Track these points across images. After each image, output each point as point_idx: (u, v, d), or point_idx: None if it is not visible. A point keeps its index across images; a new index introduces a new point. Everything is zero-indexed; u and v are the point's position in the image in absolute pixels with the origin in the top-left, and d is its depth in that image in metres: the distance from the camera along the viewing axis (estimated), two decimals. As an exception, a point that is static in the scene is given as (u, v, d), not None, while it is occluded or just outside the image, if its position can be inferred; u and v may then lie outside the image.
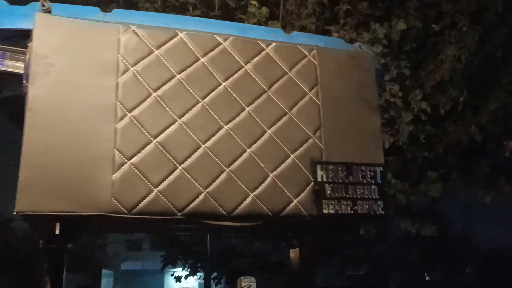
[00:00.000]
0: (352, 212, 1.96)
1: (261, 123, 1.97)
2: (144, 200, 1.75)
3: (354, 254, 9.34)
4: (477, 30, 5.83)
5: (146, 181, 1.77)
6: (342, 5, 5.84)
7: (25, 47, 2.14)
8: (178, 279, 9.04)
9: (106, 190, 1.71)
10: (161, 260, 8.52)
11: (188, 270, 8.40)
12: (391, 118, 5.70)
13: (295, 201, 1.92)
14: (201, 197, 1.82)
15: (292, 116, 2.01)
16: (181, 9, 5.20)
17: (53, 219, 1.66)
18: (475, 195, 6.85)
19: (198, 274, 8.41)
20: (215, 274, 8.09)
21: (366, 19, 5.84)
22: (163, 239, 8.34)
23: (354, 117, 2.09)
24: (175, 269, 9.43)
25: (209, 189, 1.83)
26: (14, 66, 2.10)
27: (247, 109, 1.97)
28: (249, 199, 1.87)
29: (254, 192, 1.89)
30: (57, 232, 1.68)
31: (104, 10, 2.07)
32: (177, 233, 5.61)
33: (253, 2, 4.61)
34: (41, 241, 1.99)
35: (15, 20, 1.99)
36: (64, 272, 2.01)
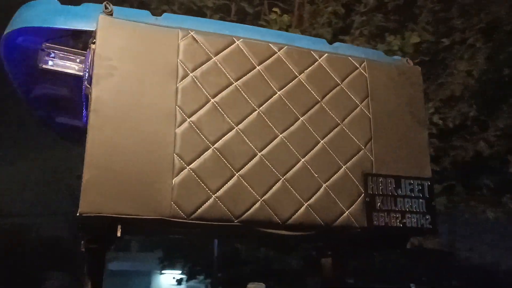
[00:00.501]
0: (401, 225, 2.00)
1: (314, 133, 1.99)
2: (203, 206, 1.76)
3: (352, 263, 9.39)
4: (488, 47, 5.96)
5: (204, 187, 1.78)
6: (356, 16, 5.92)
7: (73, 47, 2.17)
8: (179, 282, 8.99)
9: (167, 195, 1.72)
10: (154, 261, 8.51)
11: (187, 273, 8.38)
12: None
13: (347, 212, 1.95)
14: (257, 205, 1.83)
15: (344, 128, 2.04)
16: (199, 13, 5.23)
17: (115, 222, 1.67)
18: (477, 210, 6.95)
19: (197, 277, 8.39)
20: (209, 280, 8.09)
21: (380, 31, 5.93)
22: (161, 240, 8.31)
23: (403, 131, 2.13)
24: (172, 271, 9.41)
25: (265, 197, 1.85)
26: (64, 65, 2.12)
27: (301, 118, 1.99)
28: (303, 208, 1.90)
29: (308, 202, 1.91)
30: (118, 234, 1.68)
31: (154, 14, 2.09)
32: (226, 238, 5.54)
33: (276, 9, 4.65)
34: (82, 242, 1.99)
35: (68, 20, 2.00)
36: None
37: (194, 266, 8.07)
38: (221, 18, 5.20)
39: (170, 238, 7.65)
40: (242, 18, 5.61)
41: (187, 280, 8.57)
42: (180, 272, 8.80)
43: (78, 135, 2.36)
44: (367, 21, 5.87)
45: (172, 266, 8.37)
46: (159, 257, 8.47)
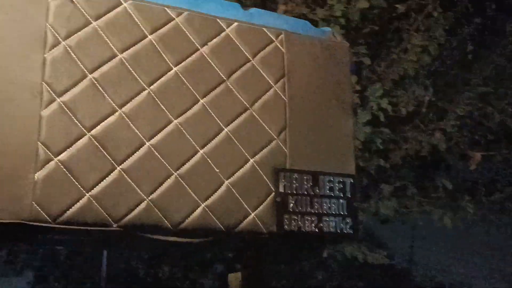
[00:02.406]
0: (317, 230, 2.22)
1: (217, 119, 2.15)
2: (73, 207, 1.86)
3: (283, 285, 9.71)
4: (448, 17, 6.40)
5: (76, 183, 1.88)
6: (293, -27, 6.14)
7: None
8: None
9: (27, 193, 1.80)
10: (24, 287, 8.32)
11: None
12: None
13: (253, 214, 2.14)
14: (143, 205, 1.97)
15: (254, 113, 2.22)
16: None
17: None
18: (432, 217, 7.45)
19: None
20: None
21: (320, -7, 6.19)
22: (33, 255, 8.17)
23: (325, 119, 2.35)
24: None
25: (153, 196, 1.99)
26: None
27: (202, 101, 2.15)
28: (199, 210, 2.06)
29: (206, 202, 2.07)
30: None
31: None
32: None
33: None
34: None
35: None
36: None
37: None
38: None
39: (42, 255, 7.55)
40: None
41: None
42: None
43: None
44: (305, -21, 6.10)
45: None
46: (28, 281, 8.31)
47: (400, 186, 7.01)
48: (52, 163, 1.86)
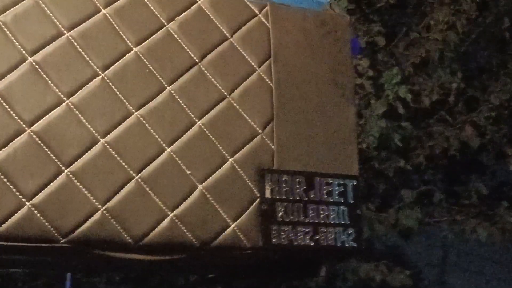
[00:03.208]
0: (312, 243, 2.18)
1: (188, 111, 2.12)
2: (10, 219, 1.83)
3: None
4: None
5: (14, 189, 1.85)
6: None
7: None
8: None
9: None
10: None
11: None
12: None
13: (232, 225, 2.10)
14: (96, 216, 1.93)
15: (233, 102, 2.19)
16: None
17: None
18: (464, 228, 7.44)
19: None
20: None
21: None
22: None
23: (320, 108, 2.31)
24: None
25: (108, 204, 1.95)
26: None
27: (168, 88, 2.11)
28: (166, 221, 2.02)
29: (175, 211, 2.04)
30: None
31: None
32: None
33: None
34: None
35: None
36: None
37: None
38: None
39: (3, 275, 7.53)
40: None
41: None
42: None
43: None
44: None
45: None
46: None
47: (424, 191, 7.01)
48: None
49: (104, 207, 1.95)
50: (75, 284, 5.79)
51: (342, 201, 2.27)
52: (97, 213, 1.94)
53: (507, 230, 7.17)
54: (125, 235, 1.97)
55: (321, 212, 2.23)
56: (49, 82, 1.96)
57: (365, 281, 7.33)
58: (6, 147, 1.87)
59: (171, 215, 2.03)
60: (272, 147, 2.22)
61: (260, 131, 2.21)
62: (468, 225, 7.22)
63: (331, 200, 2.25)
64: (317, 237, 2.20)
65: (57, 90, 1.97)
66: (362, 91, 5.98)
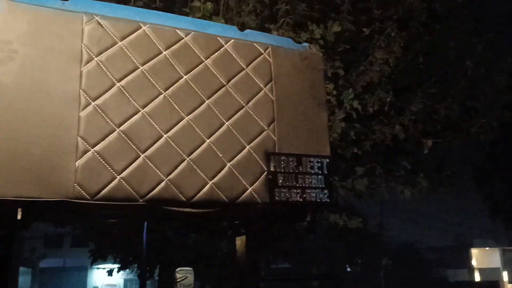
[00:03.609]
0: (301, 200, 2.14)
1: (219, 115, 2.09)
2: (107, 187, 1.81)
3: (283, 247, 9.66)
4: (403, 36, 6.32)
5: (109, 168, 1.83)
6: (281, 5, 6.06)
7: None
8: (110, 272, 8.88)
9: (70, 177, 1.75)
10: (87, 255, 8.31)
11: (120, 264, 8.27)
12: (324, 116, 6.00)
13: (250, 189, 2.07)
14: (162, 184, 1.91)
15: (248, 110, 2.16)
16: (121, 0, 5.14)
17: (15, 204, 1.68)
18: (395, 191, 7.38)
19: (130, 268, 8.30)
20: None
21: (304, 20, 6.11)
22: (90, 232, 8.14)
23: (305, 113, 2.27)
24: (104, 265, 9.24)
25: (170, 176, 1.93)
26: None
27: (207, 101, 2.08)
28: (207, 186, 1.99)
29: (212, 180, 2.01)
30: (19, 217, 1.69)
31: None
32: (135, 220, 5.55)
33: (198, -4, 4.67)
34: None
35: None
36: None
37: (125, 256, 7.99)
38: (145, 6, 5.14)
39: (100, 229, 7.51)
40: (169, 5, 5.57)
41: (118, 271, 8.48)
42: (112, 263, 8.68)
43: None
44: (292, 10, 6.02)
45: (103, 258, 8.21)
46: (90, 249, 8.28)
47: (370, 167, 6.95)
48: (89, 153, 1.81)
49: (167, 178, 1.92)
50: (149, 229, 5.77)
51: (320, 172, 2.22)
52: (162, 182, 1.91)
53: (423, 191, 7.13)
54: (181, 196, 1.94)
55: (307, 180, 2.19)
56: (130, 98, 1.93)
57: (333, 225, 7.29)
58: (103, 141, 1.85)
59: (210, 182, 2.00)
60: (274, 138, 2.18)
61: (266, 128, 2.17)
62: (398, 188, 7.16)
63: (313, 172, 2.21)
64: (304, 196, 2.16)
65: (135, 103, 1.94)
66: (330, 104, 5.92)
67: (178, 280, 3.57)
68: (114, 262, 8.40)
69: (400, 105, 6.53)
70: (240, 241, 2.62)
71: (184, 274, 3.65)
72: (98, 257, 8.20)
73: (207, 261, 6.90)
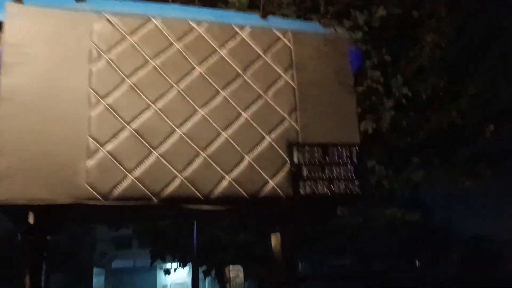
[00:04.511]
0: (328, 192, 1.98)
1: (236, 107, 1.97)
2: (119, 186, 1.75)
3: (338, 243, 9.36)
4: (456, 18, 5.90)
5: (121, 167, 1.77)
6: (322, -6, 5.85)
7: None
8: (167, 271, 9.05)
9: (81, 178, 1.71)
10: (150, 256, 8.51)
11: (178, 263, 8.41)
12: (372, 105, 5.73)
13: (271, 182, 1.93)
14: (176, 181, 1.82)
15: (267, 99, 2.02)
16: None
17: (27, 208, 1.65)
18: (456, 182, 6.92)
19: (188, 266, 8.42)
20: (204, 267, 8.10)
21: (347, 8, 5.86)
22: (150, 234, 8.30)
23: (329, 99, 2.11)
24: (166, 264, 9.44)
25: (184, 173, 1.84)
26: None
27: (222, 93, 1.97)
28: (225, 182, 1.88)
29: (230, 174, 1.89)
30: (31, 221, 1.67)
31: None
32: (160, 221, 5.58)
33: (235, -10, 4.58)
34: (19, 234, 1.98)
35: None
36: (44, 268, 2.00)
37: (183, 255, 8.10)
38: (185, 2, 5.12)
39: (155, 230, 7.65)
40: (207, 0, 5.53)
41: (175, 270, 8.61)
42: (171, 262, 8.86)
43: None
44: (333, -1, 5.79)
45: (163, 258, 8.37)
46: (150, 250, 8.48)
47: (426, 157, 6.56)
48: (100, 152, 1.76)
49: (181, 175, 1.83)
50: (198, 229, 5.78)
51: (349, 162, 2.05)
52: (177, 179, 1.82)
53: (486, 181, 6.62)
54: (197, 193, 1.84)
55: (334, 171, 2.02)
56: (142, 95, 1.87)
57: (389, 221, 6.96)
58: (114, 139, 1.79)
59: (228, 177, 1.89)
60: (297, 127, 2.03)
61: (287, 117, 2.03)
62: (458, 179, 6.70)
63: (341, 162, 2.04)
64: (332, 188, 2.00)
65: (147, 99, 1.87)
66: (377, 93, 5.63)
67: (229, 278, 3.51)
68: (173, 262, 8.53)
69: (456, 90, 6.11)
70: (275, 238, 2.49)
71: (235, 272, 3.58)
72: (158, 257, 8.35)
73: (257, 260, 6.81)
